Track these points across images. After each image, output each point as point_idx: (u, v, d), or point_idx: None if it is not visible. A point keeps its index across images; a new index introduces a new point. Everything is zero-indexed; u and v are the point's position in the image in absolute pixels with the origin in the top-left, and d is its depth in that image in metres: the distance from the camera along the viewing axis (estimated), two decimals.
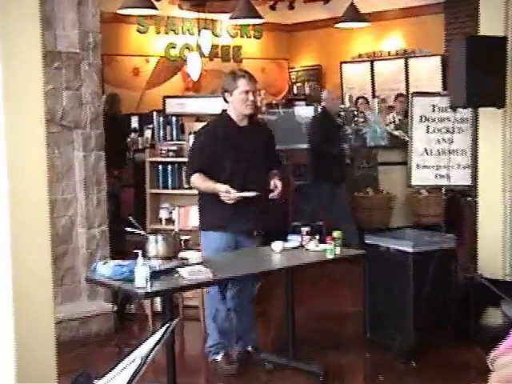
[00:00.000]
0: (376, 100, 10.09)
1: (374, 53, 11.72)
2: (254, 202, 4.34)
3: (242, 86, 4.34)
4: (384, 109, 9.79)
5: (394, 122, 9.24)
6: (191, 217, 5.73)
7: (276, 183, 4.37)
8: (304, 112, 9.64)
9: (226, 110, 4.49)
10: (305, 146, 9.05)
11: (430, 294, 4.70)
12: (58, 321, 4.84)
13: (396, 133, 8.85)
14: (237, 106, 4.38)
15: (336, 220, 7.36)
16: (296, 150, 8.92)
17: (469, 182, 5.66)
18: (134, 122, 9.19)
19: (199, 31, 11.39)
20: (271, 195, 4.37)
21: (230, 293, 4.67)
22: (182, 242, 4.65)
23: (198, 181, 4.37)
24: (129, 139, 8.50)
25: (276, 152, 4.73)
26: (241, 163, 4.37)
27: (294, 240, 4.56)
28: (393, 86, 11.17)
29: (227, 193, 4.22)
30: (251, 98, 4.35)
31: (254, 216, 4.42)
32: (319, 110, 8.05)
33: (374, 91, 11.60)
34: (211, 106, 6.39)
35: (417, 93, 6.32)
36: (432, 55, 10.77)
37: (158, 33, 11.45)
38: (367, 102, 10.40)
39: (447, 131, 5.75)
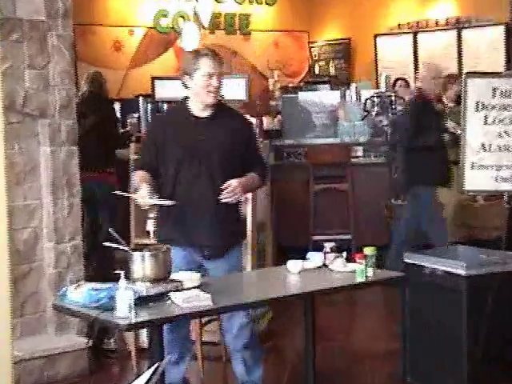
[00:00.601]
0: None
1: (418, 22, 11.70)
2: (206, 212, 4.34)
3: (204, 67, 4.34)
4: None
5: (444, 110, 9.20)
6: None
7: (230, 182, 4.31)
8: (328, 98, 9.64)
9: (188, 98, 4.50)
10: (329, 140, 9.07)
11: (490, 329, 4.67)
12: (17, 360, 4.85)
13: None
14: (197, 92, 4.39)
15: (435, 237, 7.31)
16: (317, 145, 8.92)
17: None
18: (115, 110, 9.19)
19: None
20: (220, 197, 4.31)
21: (224, 325, 4.64)
22: None
23: (134, 182, 4.40)
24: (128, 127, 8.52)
25: (258, 152, 4.72)
26: (191, 165, 4.36)
27: (315, 258, 4.56)
28: (441, 64, 11.12)
29: (142, 197, 4.23)
30: (215, 83, 4.34)
31: (206, 229, 4.38)
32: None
33: (416, 70, 11.57)
34: None
35: (472, 73, 6.30)
36: (493, 24, 10.74)
37: None
38: (407, 85, 10.36)
39: (511, 122, 5.73)
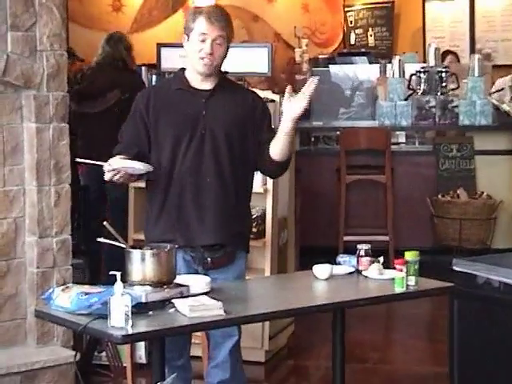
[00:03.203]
0: (476, 56, 9.98)
1: None
2: (211, 202, 4.31)
3: (198, 27, 4.32)
4: (489, 69, 9.72)
5: None
6: None
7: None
8: (365, 72, 9.63)
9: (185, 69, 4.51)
10: (366, 123, 9.06)
11: None
12: None
13: (505, 107, 8.79)
14: (191, 57, 4.39)
15: None
16: (351, 129, 8.91)
17: None
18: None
19: None
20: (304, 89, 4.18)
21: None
22: None
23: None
24: None
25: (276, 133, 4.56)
26: (192, 143, 4.33)
27: (346, 263, 4.56)
28: (504, 33, 11.09)
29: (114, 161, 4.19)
30: (207, 48, 4.30)
31: (210, 224, 4.34)
32: None
33: (473, 42, 11.54)
34: (229, 59, 6.38)
35: None
36: None
37: None
38: (458, 60, 10.33)
39: None
